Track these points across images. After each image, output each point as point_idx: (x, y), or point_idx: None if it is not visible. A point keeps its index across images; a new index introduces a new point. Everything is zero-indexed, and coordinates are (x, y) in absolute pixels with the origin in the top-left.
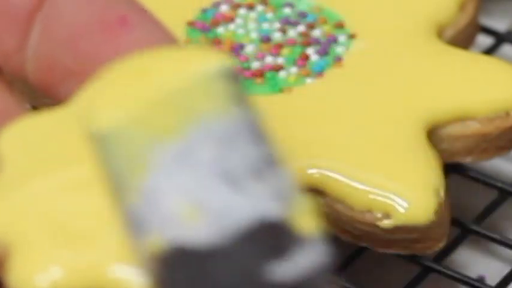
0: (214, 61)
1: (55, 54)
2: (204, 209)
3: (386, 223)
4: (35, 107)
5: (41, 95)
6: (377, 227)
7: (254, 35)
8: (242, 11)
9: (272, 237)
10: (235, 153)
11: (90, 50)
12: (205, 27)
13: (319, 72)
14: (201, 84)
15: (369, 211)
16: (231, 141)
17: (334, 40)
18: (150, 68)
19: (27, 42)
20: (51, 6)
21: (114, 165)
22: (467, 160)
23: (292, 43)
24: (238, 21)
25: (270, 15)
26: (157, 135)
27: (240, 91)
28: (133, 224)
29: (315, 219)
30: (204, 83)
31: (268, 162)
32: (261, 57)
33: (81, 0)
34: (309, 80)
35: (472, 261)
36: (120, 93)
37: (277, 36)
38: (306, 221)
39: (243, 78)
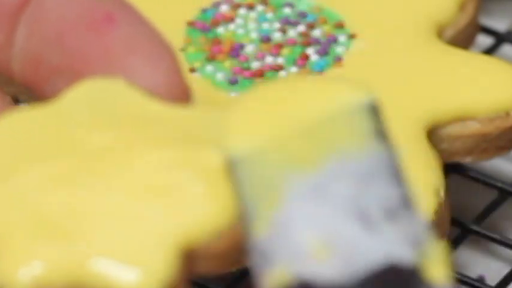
0: (358, 94)
1: (41, 51)
2: (334, 246)
3: None
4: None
5: (25, 91)
6: None
7: (254, 35)
8: (242, 11)
9: (401, 282)
10: (371, 192)
11: (76, 47)
12: (205, 27)
13: (319, 72)
14: (343, 118)
15: None
16: (369, 179)
17: (334, 40)
18: (291, 97)
19: (13, 39)
20: (38, 3)
21: (247, 191)
22: (467, 160)
23: (292, 43)
24: (238, 21)
25: (270, 15)
26: (293, 166)
27: (381, 127)
28: (261, 254)
29: (445, 268)
30: (346, 116)
31: (404, 204)
32: (261, 57)
33: None
34: None
35: (472, 261)
36: (259, 120)
37: (277, 36)
38: (437, 269)
39: (384, 113)
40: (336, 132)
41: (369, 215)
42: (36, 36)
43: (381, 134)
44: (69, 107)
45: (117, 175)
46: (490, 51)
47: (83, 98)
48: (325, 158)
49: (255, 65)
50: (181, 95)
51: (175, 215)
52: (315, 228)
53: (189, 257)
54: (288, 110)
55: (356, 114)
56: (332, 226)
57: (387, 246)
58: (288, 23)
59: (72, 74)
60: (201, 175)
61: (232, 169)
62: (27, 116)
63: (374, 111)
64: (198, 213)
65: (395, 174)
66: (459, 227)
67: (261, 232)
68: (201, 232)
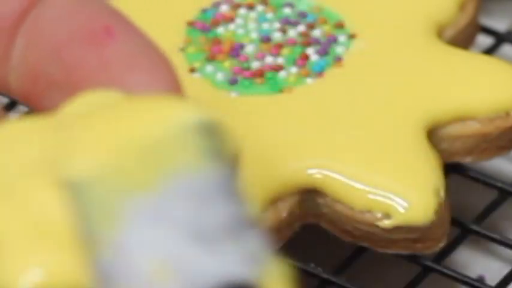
0: (193, 112)
1: (39, 64)
2: (172, 269)
3: (386, 223)
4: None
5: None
6: (377, 227)
7: (254, 35)
8: (242, 11)
9: None
10: (208, 212)
11: (74, 60)
12: (205, 27)
13: (319, 72)
14: (178, 137)
15: (369, 211)
16: (206, 199)
17: (334, 40)
18: (127, 115)
19: (10, 53)
20: (36, 17)
21: (85, 215)
22: (467, 160)
23: (292, 43)
24: (238, 21)
25: (270, 15)
26: (130, 188)
27: (217, 146)
28: (101, 278)
29: (285, 284)
30: (181, 135)
31: (242, 222)
32: (261, 57)
33: (66, 10)
34: (309, 80)
35: (472, 261)
36: (96, 140)
37: (277, 36)
38: (276, 285)
39: (222, 131)
40: (172, 152)
41: (207, 235)
42: (33, 49)
43: (217, 152)
44: (67, 118)
45: None
46: (490, 51)
47: (81, 109)
48: (163, 179)
49: (255, 65)
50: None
51: None
52: (153, 251)
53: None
54: (125, 129)
55: (192, 133)
56: (170, 248)
57: (226, 265)
58: (288, 23)
59: (71, 88)
60: None
61: (71, 192)
62: (25, 126)
63: (209, 130)
64: None
65: (233, 193)
66: (459, 227)
67: (102, 255)
68: None
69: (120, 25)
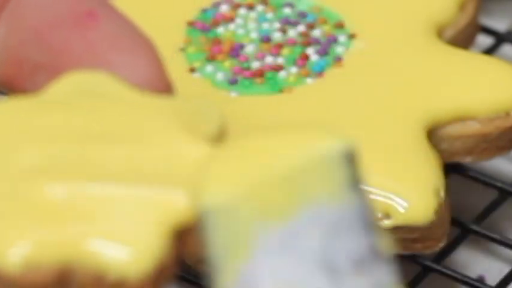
0: (333, 142)
1: (23, 48)
2: None
3: (386, 223)
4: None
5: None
6: None
7: (254, 35)
8: (242, 11)
9: None
10: (340, 243)
11: (59, 43)
12: (205, 27)
13: (319, 72)
14: (317, 167)
15: None
16: (339, 229)
17: (334, 40)
18: (266, 146)
19: None
20: (17, 2)
21: (217, 241)
22: (467, 160)
23: (292, 43)
24: (238, 21)
25: (270, 15)
26: (265, 216)
27: (356, 175)
28: None
29: None
30: (320, 165)
31: (373, 254)
32: (261, 57)
33: None
34: (309, 80)
35: (472, 261)
36: (234, 170)
37: (277, 36)
38: None
39: (360, 162)
40: (310, 181)
41: (337, 266)
42: (16, 33)
43: (355, 182)
44: (53, 99)
45: (103, 162)
46: (490, 51)
47: (66, 90)
48: (297, 208)
49: (255, 65)
50: (164, 87)
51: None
52: (281, 281)
53: (180, 236)
54: (263, 159)
55: (331, 163)
56: (298, 278)
57: None
58: (288, 23)
59: (55, 71)
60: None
61: (204, 218)
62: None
63: (349, 159)
64: (186, 195)
65: (367, 223)
66: (459, 227)
67: (227, 283)
68: (191, 212)
69: (103, 9)
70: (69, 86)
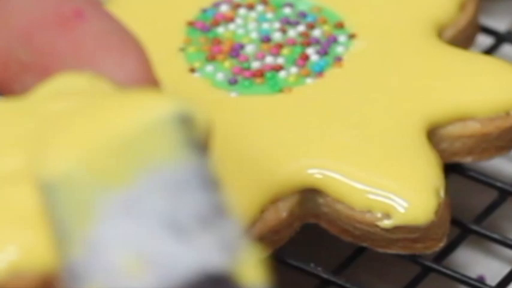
0: (168, 105)
1: (9, 49)
2: (148, 262)
3: (386, 223)
4: None
5: None
6: (377, 227)
7: (254, 35)
8: (242, 11)
9: None
10: (183, 202)
11: (45, 43)
12: (205, 27)
13: (319, 72)
14: (154, 130)
15: (369, 211)
16: (180, 189)
17: (334, 40)
18: (102, 112)
19: None
20: (3, 3)
21: (61, 213)
22: (467, 160)
23: (292, 43)
24: (238, 21)
25: (270, 15)
26: (105, 184)
27: (193, 136)
28: (75, 275)
29: (260, 271)
30: (157, 128)
31: (217, 211)
32: (261, 57)
33: None
34: (309, 80)
35: (472, 261)
36: (71, 139)
37: (277, 36)
38: (251, 272)
39: (196, 120)
40: (146, 145)
41: (182, 225)
42: (3, 34)
43: (193, 143)
44: (39, 102)
45: None
46: (490, 51)
47: (53, 92)
48: (137, 173)
49: (255, 65)
50: (152, 86)
51: None
52: (128, 246)
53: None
54: (99, 126)
55: (165, 126)
56: (145, 241)
57: (201, 255)
58: (288, 23)
59: (42, 71)
60: None
61: (45, 192)
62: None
63: (185, 121)
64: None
65: (208, 182)
66: (459, 227)
67: (75, 254)
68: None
69: (90, 8)
70: (54, 89)
